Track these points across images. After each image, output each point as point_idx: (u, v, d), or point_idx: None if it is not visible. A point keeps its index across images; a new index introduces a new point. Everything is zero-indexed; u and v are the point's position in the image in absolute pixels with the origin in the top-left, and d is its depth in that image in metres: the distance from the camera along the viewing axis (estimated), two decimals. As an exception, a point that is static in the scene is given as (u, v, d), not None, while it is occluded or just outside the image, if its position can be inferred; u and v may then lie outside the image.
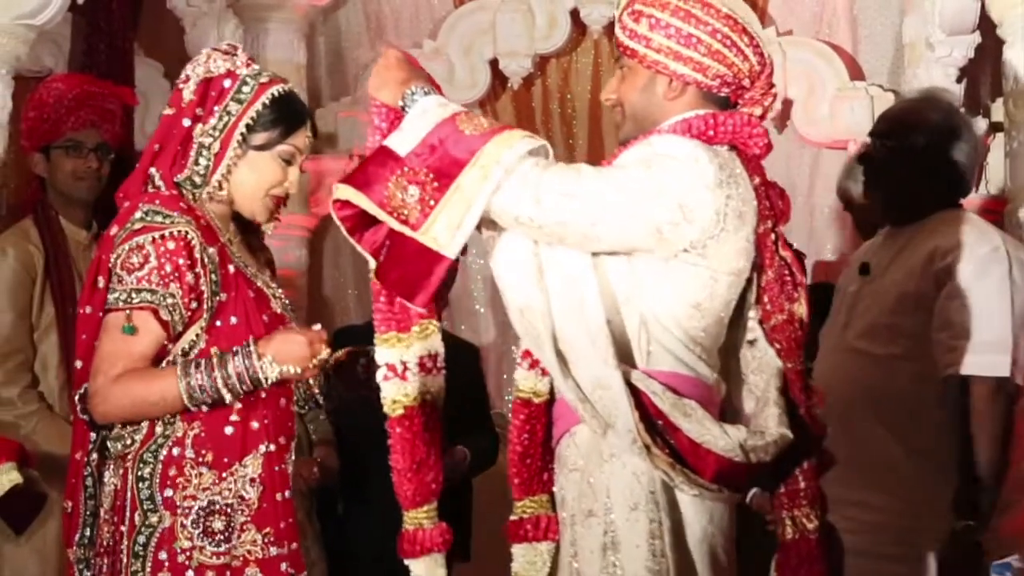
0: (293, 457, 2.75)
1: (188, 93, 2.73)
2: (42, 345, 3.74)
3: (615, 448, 2.50)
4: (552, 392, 2.65)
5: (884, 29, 5.42)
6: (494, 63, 5.51)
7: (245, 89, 2.72)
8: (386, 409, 2.62)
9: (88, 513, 2.73)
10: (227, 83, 2.72)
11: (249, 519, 2.65)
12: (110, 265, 2.65)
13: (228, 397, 2.62)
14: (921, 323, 3.20)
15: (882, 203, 3.34)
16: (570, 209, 2.44)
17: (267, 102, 2.72)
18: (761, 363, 2.66)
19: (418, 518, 2.65)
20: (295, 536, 2.70)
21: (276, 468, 2.68)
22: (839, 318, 3.35)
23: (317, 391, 3.14)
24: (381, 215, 2.47)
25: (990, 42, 4.56)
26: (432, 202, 2.43)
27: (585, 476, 2.55)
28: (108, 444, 2.71)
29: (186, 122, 2.71)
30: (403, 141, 2.48)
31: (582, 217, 2.44)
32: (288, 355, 2.62)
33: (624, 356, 2.51)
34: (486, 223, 2.53)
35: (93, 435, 2.72)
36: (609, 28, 5.22)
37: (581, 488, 2.55)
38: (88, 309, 2.71)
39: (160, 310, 2.61)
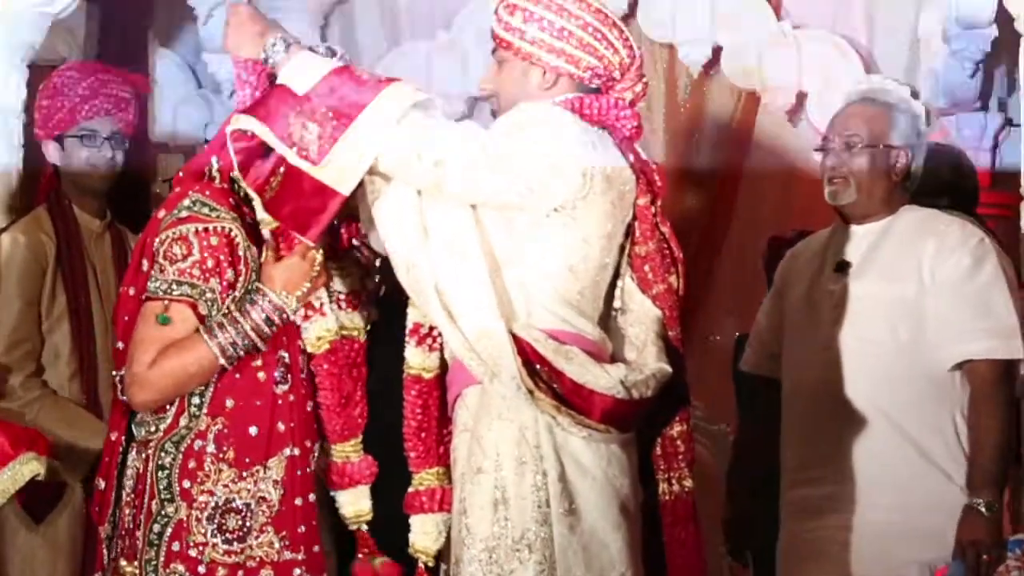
0: (316, 456, 2.75)
1: None
2: (54, 334, 3.74)
3: (503, 408, 2.61)
4: (443, 365, 2.76)
5: (900, 22, 5.37)
6: (508, 54, 5.49)
7: None
8: (311, 348, 2.73)
9: (119, 490, 2.75)
10: None
11: (269, 521, 2.67)
12: (154, 250, 2.67)
13: (261, 344, 2.66)
14: (919, 319, 3.23)
15: (842, 200, 3.36)
16: (449, 153, 2.57)
17: None
18: (639, 315, 2.78)
19: (345, 451, 2.79)
20: (315, 540, 2.70)
21: (299, 472, 2.69)
22: (823, 316, 3.34)
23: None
24: (282, 148, 2.58)
25: (1007, 36, 4.54)
26: (331, 140, 2.55)
27: (475, 435, 2.65)
28: (133, 428, 2.73)
29: None
30: (301, 82, 2.59)
31: (459, 162, 2.58)
32: (292, 279, 2.66)
33: (507, 312, 2.62)
34: (372, 168, 2.61)
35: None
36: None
37: (471, 447, 2.65)
38: (132, 290, 2.74)
39: (199, 304, 2.64)
